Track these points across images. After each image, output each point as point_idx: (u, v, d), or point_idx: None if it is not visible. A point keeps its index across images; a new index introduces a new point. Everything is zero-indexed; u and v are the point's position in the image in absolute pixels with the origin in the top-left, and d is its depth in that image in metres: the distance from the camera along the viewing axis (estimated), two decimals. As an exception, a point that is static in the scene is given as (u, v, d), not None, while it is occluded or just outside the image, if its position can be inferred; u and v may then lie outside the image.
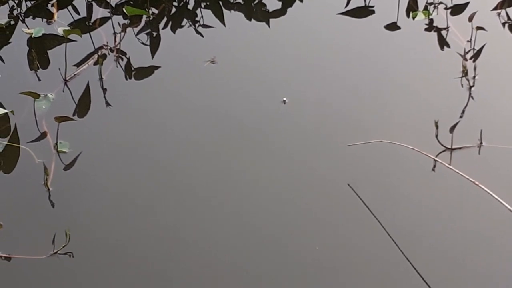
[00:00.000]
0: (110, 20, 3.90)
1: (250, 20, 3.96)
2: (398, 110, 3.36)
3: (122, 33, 3.73)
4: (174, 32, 3.90)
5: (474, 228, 2.87)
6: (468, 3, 3.96)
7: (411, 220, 2.90)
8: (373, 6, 4.00)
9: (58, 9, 3.99)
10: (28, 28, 3.80)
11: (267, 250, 2.80)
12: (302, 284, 2.70)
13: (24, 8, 4.03)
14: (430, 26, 3.87)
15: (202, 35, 3.87)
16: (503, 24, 3.88)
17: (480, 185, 2.85)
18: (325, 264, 2.75)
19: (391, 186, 3.03)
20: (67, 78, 3.55)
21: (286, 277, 2.72)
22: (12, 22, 3.93)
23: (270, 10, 4.01)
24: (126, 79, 3.61)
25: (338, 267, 2.75)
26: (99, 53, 3.69)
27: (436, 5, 3.97)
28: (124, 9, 3.72)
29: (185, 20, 3.97)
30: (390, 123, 3.31)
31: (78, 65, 3.64)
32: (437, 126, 3.16)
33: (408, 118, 3.32)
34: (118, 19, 3.91)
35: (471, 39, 3.70)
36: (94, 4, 4.02)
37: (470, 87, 3.47)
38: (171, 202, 2.99)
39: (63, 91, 3.51)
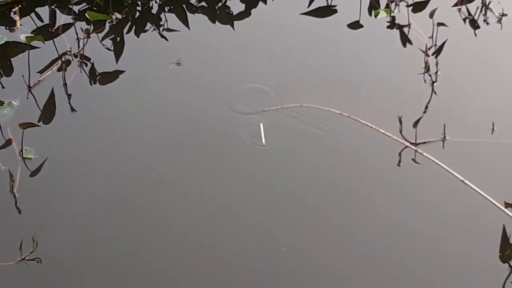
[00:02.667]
0: (73, 26, 3.89)
1: (214, 22, 3.97)
2: (362, 107, 3.39)
3: (86, 39, 3.73)
4: (138, 36, 3.91)
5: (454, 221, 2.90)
6: (429, 0, 4.00)
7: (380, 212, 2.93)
8: (335, 6, 4.03)
9: (21, 17, 3.97)
10: (-9, 36, 3.79)
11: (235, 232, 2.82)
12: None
13: (-14, 16, 4.01)
14: (392, 24, 3.91)
15: (166, 39, 3.87)
16: (464, 19, 3.92)
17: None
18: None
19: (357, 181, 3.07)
20: (31, 85, 3.54)
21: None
22: (-25, 31, 3.91)
23: (234, 13, 4.02)
24: (91, 84, 3.61)
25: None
26: (63, 59, 3.68)
27: (398, 2, 4.01)
28: (87, 15, 3.72)
29: (149, 24, 3.98)
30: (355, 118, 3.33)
31: (42, 71, 3.63)
32: (400, 122, 3.19)
33: (372, 114, 3.34)
34: (81, 25, 3.90)
35: (432, 35, 3.74)
36: (57, 10, 4.01)
37: (433, 82, 3.51)
38: (139, 205, 2.99)
39: (27, 98, 3.50)
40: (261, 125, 3.18)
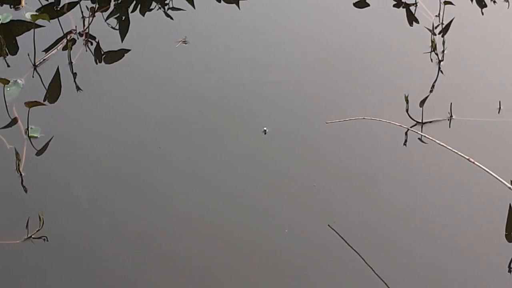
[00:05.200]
0: (78, 5, 3.87)
1: (219, 1, 3.95)
2: (367, 87, 3.38)
3: (91, 18, 3.71)
4: (143, 15, 3.89)
5: (462, 198, 2.90)
6: (436, -22, 3.99)
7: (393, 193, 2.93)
8: (341, -16, 4.02)
9: (25, -5, 3.97)
10: (-4, 14, 3.78)
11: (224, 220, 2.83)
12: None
13: (-10, -5, 4.00)
14: (399, 2, 3.89)
15: (171, 18, 3.86)
16: (471, -2, 3.91)
17: (476, 162, 2.87)
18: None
19: (368, 161, 3.06)
20: (37, 64, 3.53)
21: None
22: (-21, 9, 3.90)
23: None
24: (96, 63, 3.60)
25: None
26: (68, 38, 3.67)
27: (404, -19, 4.00)
28: (92, -7, 3.71)
29: (154, 3, 3.96)
30: (361, 100, 3.32)
31: (47, 50, 3.62)
32: (407, 101, 3.18)
33: (378, 94, 3.34)
34: (86, 3, 3.89)
35: (439, 13, 3.72)
36: (62, -11, 4.00)
37: (440, 61, 3.49)
38: (145, 185, 2.99)
39: (33, 77, 3.49)
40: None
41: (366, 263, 2.68)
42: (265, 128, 3.17)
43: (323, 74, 3.46)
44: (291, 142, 3.14)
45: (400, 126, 3.09)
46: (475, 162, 2.83)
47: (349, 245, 2.74)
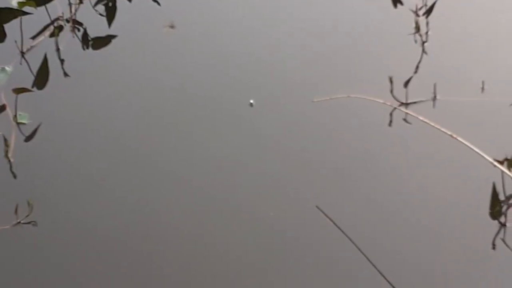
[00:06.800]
0: (65, -8, 3.89)
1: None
2: (352, 67, 3.40)
3: (78, 4, 3.73)
4: (130, 1, 3.91)
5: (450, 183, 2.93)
6: (420, -40, 4.01)
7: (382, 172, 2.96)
8: (326, -33, 4.04)
9: (12, -17, 3.97)
10: (-17, 3, 3.79)
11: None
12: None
13: (-23, -18, 4.01)
14: (383, -16, 3.92)
15: (159, 3, 3.88)
16: (455, -21, 3.93)
17: (458, 138, 2.89)
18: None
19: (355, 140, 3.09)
20: (24, 51, 3.55)
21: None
22: (-34, -3, 3.91)
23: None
24: (84, 49, 3.62)
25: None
26: (55, 25, 3.69)
27: (389, -37, 4.01)
28: (78, -20, 3.72)
29: (140, -11, 3.98)
30: (347, 79, 3.35)
31: (34, 37, 3.64)
32: (391, 82, 3.21)
33: (362, 75, 3.36)
34: (73, -10, 3.91)
35: (423, -5, 3.75)
36: (49, -24, 4.01)
37: (423, 42, 3.52)
38: (133, 169, 3.01)
39: (21, 64, 3.51)
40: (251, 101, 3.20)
41: (353, 243, 2.69)
42: (251, 101, 3.20)
43: (308, 54, 3.48)
44: (278, 121, 3.17)
45: (384, 103, 3.12)
46: (458, 138, 2.86)
47: (336, 225, 2.76)
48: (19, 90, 3.17)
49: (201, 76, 3.42)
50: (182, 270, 2.63)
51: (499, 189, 2.80)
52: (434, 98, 3.23)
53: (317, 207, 2.81)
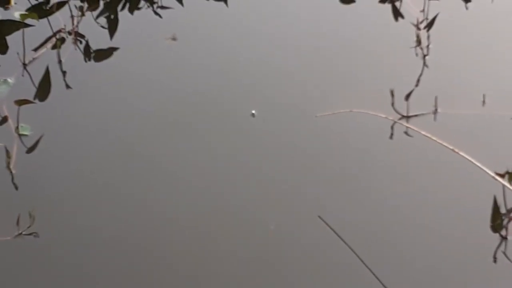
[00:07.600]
0: (67, 4, 3.90)
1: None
2: (353, 81, 3.41)
3: (80, 17, 3.74)
4: (132, 14, 3.92)
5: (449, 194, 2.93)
6: (421, -26, 4.03)
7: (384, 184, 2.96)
8: (328, -19, 4.06)
9: (15, -5, 3.99)
10: (-15, 15, 3.81)
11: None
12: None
13: (-20, -5, 4.03)
14: (385, -2, 3.94)
15: (160, 16, 3.89)
16: (456, -7, 3.95)
17: (460, 152, 2.89)
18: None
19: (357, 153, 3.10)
20: (26, 63, 3.56)
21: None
22: (-31, 9, 3.93)
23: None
24: (86, 61, 3.63)
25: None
26: (57, 37, 3.70)
27: (390, -23, 4.03)
28: (80, -8, 3.74)
29: (142, 2, 3.99)
30: (348, 93, 3.35)
31: (36, 49, 3.65)
32: (392, 95, 3.22)
33: (364, 88, 3.37)
34: (75, 2, 3.92)
35: (424, 9, 3.76)
36: (51, -12, 4.03)
37: (424, 56, 3.53)
38: (135, 180, 3.02)
39: (23, 75, 3.52)
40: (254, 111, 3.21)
41: (355, 253, 2.69)
42: (253, 111, 3.21)
43: (309, 68, 3.49)
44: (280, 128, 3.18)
45: (386, 118, 3.13)
46: (460, 152, 2.87)
47: (338, 235, 2.76)
48: (21, 102, 3.18)
49: (204, 86, 3.43)
50: (187, 276, 2.63)
51: (500, 202, 2.80)
52: (435, 111, 3.24)
53: (319, 217, 2.81)
